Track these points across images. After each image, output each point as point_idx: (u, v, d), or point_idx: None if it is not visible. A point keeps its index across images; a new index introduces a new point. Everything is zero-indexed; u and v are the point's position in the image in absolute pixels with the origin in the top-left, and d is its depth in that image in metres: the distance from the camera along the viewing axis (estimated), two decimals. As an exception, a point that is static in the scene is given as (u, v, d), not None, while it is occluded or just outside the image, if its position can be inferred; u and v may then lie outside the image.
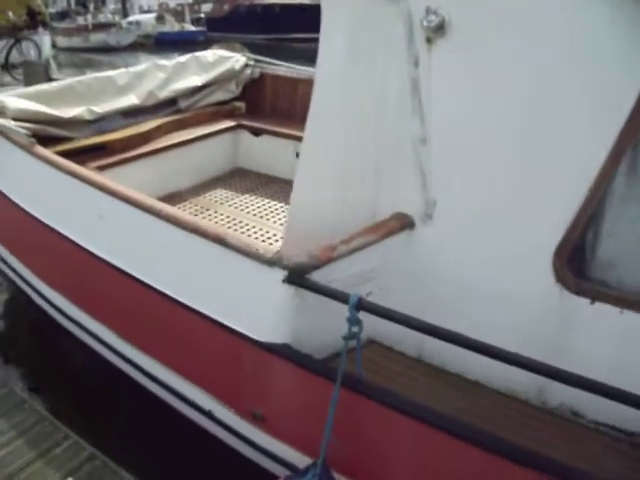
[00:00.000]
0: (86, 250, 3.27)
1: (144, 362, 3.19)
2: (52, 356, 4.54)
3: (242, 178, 5.57)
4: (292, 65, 5.97)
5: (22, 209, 3.67)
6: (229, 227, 4.51)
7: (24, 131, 3.67)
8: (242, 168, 5.78)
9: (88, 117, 4.64)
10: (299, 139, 5.53)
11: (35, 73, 6.79)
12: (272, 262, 2.38)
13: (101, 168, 4.33)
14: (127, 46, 22.72)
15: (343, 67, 2.67)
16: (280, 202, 5.09)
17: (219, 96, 5.78)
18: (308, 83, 5.87)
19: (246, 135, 5.64)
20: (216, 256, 2.66)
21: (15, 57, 10.26)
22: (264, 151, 5.61)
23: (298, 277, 2.30)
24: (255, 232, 4.50)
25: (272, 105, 5.95)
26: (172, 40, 23.43)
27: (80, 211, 3.42)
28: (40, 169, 3.52)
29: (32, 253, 3.76)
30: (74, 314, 3.61)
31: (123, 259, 3.14)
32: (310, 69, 5.82)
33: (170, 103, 5.38)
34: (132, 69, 5.16)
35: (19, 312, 5.16)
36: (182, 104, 5.48)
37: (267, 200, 5.11)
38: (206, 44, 22.67)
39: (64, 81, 4.74)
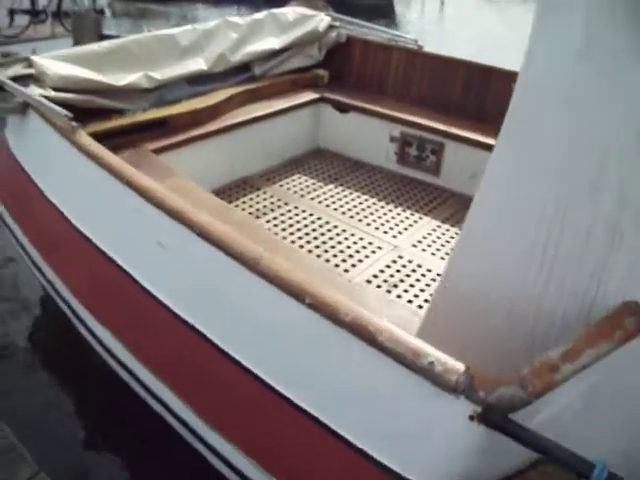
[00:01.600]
0: (136, 282, 2.40)
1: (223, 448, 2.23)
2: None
3: (323, 161, 4.69)
4: (385, 29, 4.97)
5: (59, 212, 2.84)
6: (314, 231, 3.66)
7: (64, 112, 2.79)
8: (323, 149, 4.89)
9: (146, 85, 3.79)
10: (394, 119, 4.56)
11: (84, 28, 5.97)
12: (458, 390, 1.50)
13: (160, 150, 3.52)
14: (184, -4, 21.72)
15: (576, 71, 1.59)
16: (372, 196, 4.21)
17: (298, 62, 4.86)
18: (404, 52, 4.82)
19: (330, 110, 4.73)
20: (354, 351, 1.76)
21: (69, 5, 9.46)
22: (351, 131, 4.70)
23: (499, 417, 1.44)
24: (346, 238, 3.63)
25: (360, 75, 5.00)
26: (232, -9, 22.27)
27: (132, 230, 2.55)
28: (83, 165, 2.66)
29: (70, 268, 2.93)
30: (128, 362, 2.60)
31: (195, 312, 2.26)
32: (407, 35, 4.83)
33: (243, 69, 4.48)
34: (199, 26, 4.25)
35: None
36: (256, 70, 4.57)
37: (355, 192, 4.24)
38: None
39: (117, 40, 3.86)
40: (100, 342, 2.71)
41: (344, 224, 3.79)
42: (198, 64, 4.13)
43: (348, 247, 3.55)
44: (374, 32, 5.02)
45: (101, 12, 13.19)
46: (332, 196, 4.14)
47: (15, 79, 3.27)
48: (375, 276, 3.32)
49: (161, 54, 3.97)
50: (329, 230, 3.70)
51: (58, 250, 2.99)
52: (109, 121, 3.52)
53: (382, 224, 3.86)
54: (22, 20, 8.83)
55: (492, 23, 18.62)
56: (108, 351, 2.68)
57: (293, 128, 4.53)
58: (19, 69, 3.37)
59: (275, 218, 3.76)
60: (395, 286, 3.26)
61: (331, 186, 4.29)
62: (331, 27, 4.99)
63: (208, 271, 2.19)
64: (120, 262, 2.46)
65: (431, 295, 3.21)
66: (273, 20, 4.72)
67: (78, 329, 2.97)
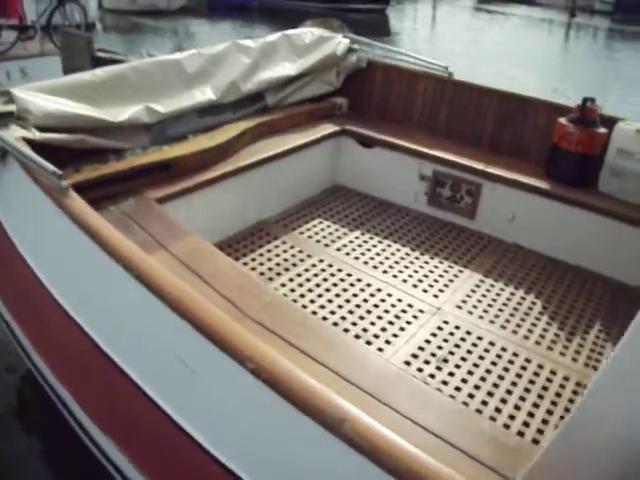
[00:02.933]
0: (171, 420, 1.76)
1: None
2: None
3: (345, 202, 4.19)
4: (411, 53, 4.50)
5: (39, 282, 2.27)
6: (345, 292, 3.15)
7: (51, 167, 2.20)
8: (343, 186, 4.40)
9: (146, 120, 3.26)
10: (425, 156, 3.97)
11: (74, 48, 5.37)
12: None
13: (164, 199, 3.00)
14: (177, 10, 21.27)
15: None
16: (403, 244, 3.72)
17: (315, 89, 4.37)
18: (433, 79, 4.28)
19: (352, 145, 4.24)
20: None
21: (59, 20, 8.90)
22: (375, 168, 4.21)
23: None
24: (382, 300, 3.13)
25: (382, 104, 4.52)
26: (226, 3, 21.79)
27: (142, 331, 1.94)
28: (72, 235, 2.09)
29: (51, 344, 2.33)
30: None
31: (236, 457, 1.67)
32: (436, 61, 4.36)
33: (254, 98, 3.98)
34: (205, 50, 3.74)
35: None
36: (269, 100, 4.08)
37: (384, 239, 3.74)
38: (259, 11, 21.21)
39: (113, 68, 3.31)
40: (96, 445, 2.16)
41: (377, 282, 3.28)
42: (206, 94, 3.61)
43: (386, 311, 3.04)
44: (398, 56, 4.54)
45: (92, 26, 12.69)
46: (359, 245, 3.64)
47: None
48: (421, 348, 2.81)
49: (164, 83, 3.44)
50: (362, 290, 3.19)
51: (36, 322, 2.44)
52: (104, 165, 2.99)
53: (420, 280, 3.36)
54: (9, 36, 8.30)
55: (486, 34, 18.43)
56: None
57: (311, 165, 4.03)
58: None
59: (299, 275, 3.25)
60: (445, 361, 2.77)
61: (357, 232, 3.78)
62: (350, 50, 4.51)
63: (253, 408, 1.65)
64: (136, 378, 1.88)
65: (488, 372, 2.75)
66: (287, 43, 4.23)
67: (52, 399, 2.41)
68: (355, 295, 3.14)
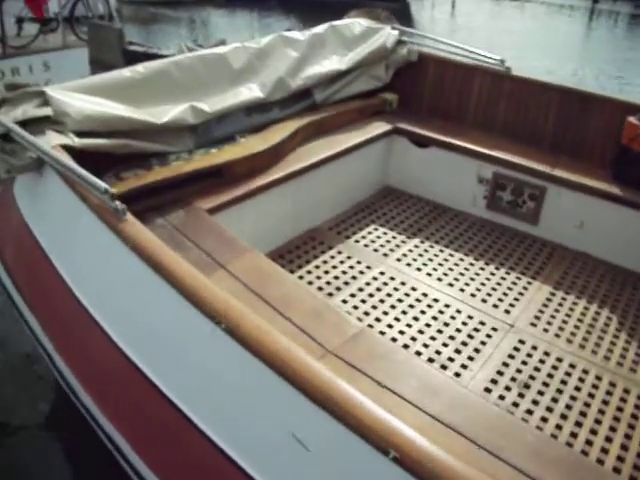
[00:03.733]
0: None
1: None
2: None
3: (398, 205, 3.91)
4: (465, 46, 4.19)
5: (85, 311, 1.99)
6: (412, 308, 2.88)
7: (103, 185, 1.88)
8: (394, 188, 4.12)
9: (192, 121, 2.97)
10: (484, 157, 3.64)
11: (104, 40, 5.00)
12: None
13: (215, 210, 2.73)
14: (195, 0, 21.00)
15: None
16: (466, 253, 3.46)
17: (363, 84, 4.08)
18: (489, 74, 3.92)
19: (405, 144, 3.96)
20: None
21: (81, 11, 8.57)
22: (429, 169, 3.93)
23: None
24: (452, 317, 2.87)
25: (434, 101, 4.23)
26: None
27: (221, 382, 1.65)
28: (129, 264, 1.80)
29: (91, 371, 2.05)
30: None
31: None
32: (493, 55, 4.05)
33: (302, 95, 3.70)
34: (250, 44, 3.45)
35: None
36: (318, 96, 3.79)
37: (445, 247, 3.48)
38: (278, 1, 20.78)
39: (153, 64, 2.99)
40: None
41: (444, 296, 3.02)
42: (253, 91, 3.33)
43: (458, 330, 2.78)
44: (450, 49, 4.24)
45: (110, 18, 12.42)
46: (420, 255, 3.37)
47: (26, 123, 2.42)
48: (499, 373, 2.56)
49: (208, 80, 3.16)
50: (429, 306, 2.93)
51: (76, 347, 2.18)
52: (148, 172, 2.72)
53: (488, 294, 3.10)
54: (31, 29, 8.03)
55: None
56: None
57: (363, 166, 3.76)
58: (31, 107, 2.51)
59: (361, 290, 2.99)
60: (527, 386, 2.52)
61: (415, 240, 3.51)
62: (399, 42, 4.22)
63: (335, 453, 1.40)
64: (200, 425, 1.61)
65: (573, 398, 2.48)
66: (336, 35, 3.94)
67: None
68: (423, 312, 2.88)
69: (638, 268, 3.41)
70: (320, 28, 3.89)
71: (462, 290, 3.09)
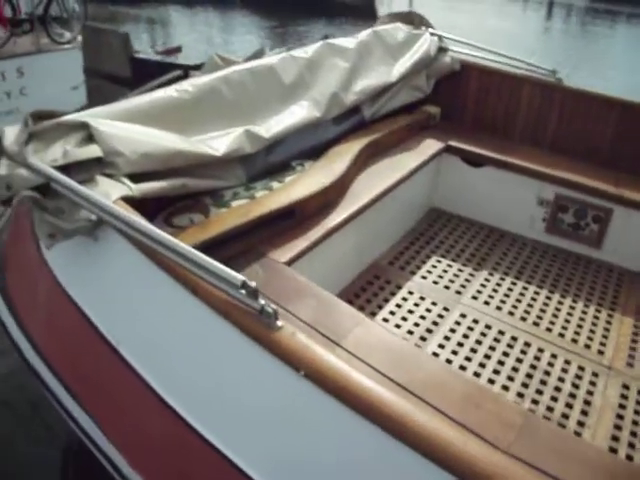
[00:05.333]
0: None
1: None
2: None
3: (452, 230, 3.58)
4: (511, 55, 3.88)
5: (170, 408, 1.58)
6: (506, 356, 2.56)
7: (238, 276, 1.43)
8: (442, 210, 3.79)
9: (249, 149, 2.52)
10: (544, 177, 3.29)
11: (104, 46, 4.42)
12: None
13: (293, 260, 2.29)
14: (155, -3, 20.18)
15: None
16: (539, 285, 3.16)
17: (405, 97, 3.71)
18: (539, 86, 3.60)
19: (456, 163, 3.63)
20: None
21: (55, 11, 7.82)
22: (483, 189, 3.62)
23: None
24: (550, 364, 2.57)
25: (478, 113, 3.92)
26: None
27: None
28: (313, 400, 1.38)
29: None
30: None
31: None
32: (542, 65, 3.77)
33: (352, 111, 3.29)
34: (297, 53, 3.01)
35: None
36: (366, 112, 3.42)
37: (517, 280, 3.17)
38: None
39: (202, 81, 2.50)
40: None
41: (535, 340, 2.72)
42: (307, 110, 2.91)
43: (561, 380, 2.49)
44: (487, 55, 3.93)
45: (85, 17, 11.66)
46: (494, 290, 3.05)
47: (65, 167, 1.88)
48: (617, 427, 2.29)
49: (259, 97, 2.71)
50: (523, 352, 2.62)
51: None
52: (208, 217, 2.25)
53: (576, 332, 2.82)
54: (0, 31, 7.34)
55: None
56: None
57: (413, 189, 3.40)
58: (71, 146, 1.94)
59: (447, 339, 2.65)
60: None
61: (483, 271, 3.19)
62: (440, 50, 3.88)
63: None
64: None
65: None
66: (380, 42, 3.56)
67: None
68: (519, 360, 2.57)
69: None
70: (365, 35, 3.51)
71: (549, 330, 2.80)
